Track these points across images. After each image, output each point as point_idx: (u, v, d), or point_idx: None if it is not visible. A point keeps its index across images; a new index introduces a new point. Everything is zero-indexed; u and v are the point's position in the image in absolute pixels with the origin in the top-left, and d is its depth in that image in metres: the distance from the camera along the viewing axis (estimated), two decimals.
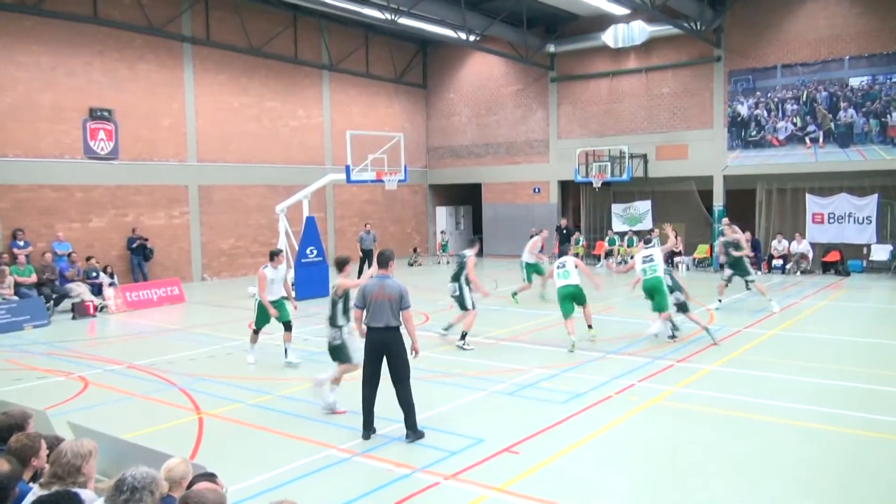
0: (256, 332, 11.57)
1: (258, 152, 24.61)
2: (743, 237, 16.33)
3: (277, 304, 11.38)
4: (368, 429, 7.83)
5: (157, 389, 10.11)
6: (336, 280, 9.09)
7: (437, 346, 12.53)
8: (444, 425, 8.22)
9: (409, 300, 7.80)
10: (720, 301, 16.46)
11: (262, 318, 11.41)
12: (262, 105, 24.76)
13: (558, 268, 12.69)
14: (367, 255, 18.97)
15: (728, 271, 16.12)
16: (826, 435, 7.83)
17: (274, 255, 11.55)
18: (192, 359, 12.05)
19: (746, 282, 16.10)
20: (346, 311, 8.89)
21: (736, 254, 15.79)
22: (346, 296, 8.92)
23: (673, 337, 12.63)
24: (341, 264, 9.28)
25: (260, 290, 11.30)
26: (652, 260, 12.38)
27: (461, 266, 12.60)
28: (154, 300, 18.29)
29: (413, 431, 7.76)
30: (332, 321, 8.87)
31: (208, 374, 10.95)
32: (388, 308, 7.71)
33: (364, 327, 7.88)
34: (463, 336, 12.30)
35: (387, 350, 7.77)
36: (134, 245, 20.48)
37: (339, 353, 8.83)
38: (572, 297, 12.42)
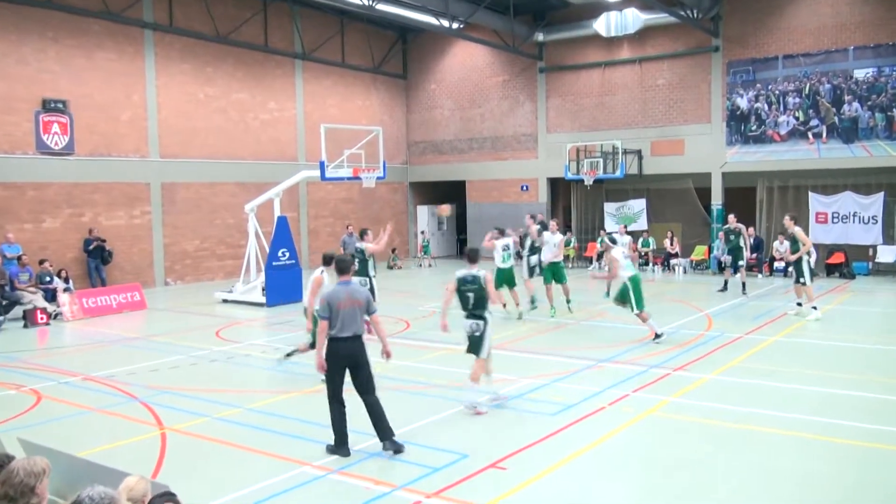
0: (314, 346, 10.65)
1: (225, 147, 24.49)
2: (745, 231, 18.88)
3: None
4: (345, 445, 7.81)
5: (116, 403, 10.00)
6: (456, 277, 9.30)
7: (418, 354, 12.52)
8: (425, 440, 8.20)
9: (376, 303, 8.04)
10: (745, 296, 18.00)
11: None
12: (230, 97, 24.65)
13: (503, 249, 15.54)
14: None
15: (728, 257, 18.87)
16: (832, 448, 7.89)
17: (330, 260, 10.69)
18: (154, 370, 11.95)
19: (736, 268, 18.74)
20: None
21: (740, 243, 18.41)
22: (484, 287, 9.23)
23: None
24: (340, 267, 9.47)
25: (311, 296, 10.60)
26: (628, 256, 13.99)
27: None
28: (113, 307, 18.13)
29: (393, 442, 7.76)
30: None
31: (172, 386, 10.86)
32: (358, 316, 7.76)
33: (325, 339, 7.77)
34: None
35: (354, 361, 7.79)
36: (91, 247, 20.31)
37: (476, 345, 9.27)
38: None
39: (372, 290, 14.18)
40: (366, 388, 7.83)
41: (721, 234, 19.13)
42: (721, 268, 21.70)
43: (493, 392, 9.63)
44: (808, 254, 15.83)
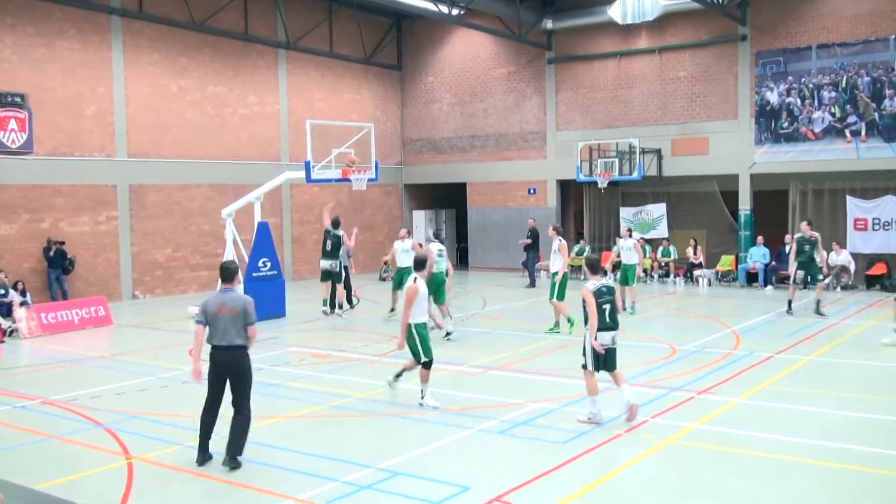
0: (427, 364, 10.59)
1: (201, 146, 24.52)
2: (821, 241, 18.41)
3: (423, 328, 10.61)
4: (204, 453, 8.39)
5: (78, 430, 9.97)
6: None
7: (412, 376, 12.50)
8: (422, 470, 8.18)
9: (254, 315, 8.34)
10: (791, 306, 18.11)
11: (426, 345, 10.51)
12: (206, 90, 24.69)
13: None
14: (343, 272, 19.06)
15: (800, 272, 17.92)
16: (873, 480, 7.87)
17: (421, 264, 10.83)
18: (120, 393, 11.90)
19: (810, 283, 18.27)
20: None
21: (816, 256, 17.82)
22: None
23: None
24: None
25: (406, 309, 10.51)
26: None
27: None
28: (75, 322, 18.09)
29: (232, 459, 8.22)
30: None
31: (140, 410, 10.82)
32: (233, 324, 8.24)
33: (207, 346, 8.38)
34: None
35: (230, 372, 8.33)
36: (51, 253, 20.26)
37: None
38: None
39: (339, 274, 18.32)
40: (237, 403, 8.37)
41: (792, 244, 18.46)
42: (767, 280, 21.94)
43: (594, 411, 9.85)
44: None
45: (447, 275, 16.08)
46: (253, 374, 8.57)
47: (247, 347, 8.40)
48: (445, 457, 8.71)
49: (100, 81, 22.07)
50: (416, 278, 10.54)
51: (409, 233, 18.52)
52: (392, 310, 17.72)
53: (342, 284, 18.92)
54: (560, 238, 16.17)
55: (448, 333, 15.50)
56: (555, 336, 15.79)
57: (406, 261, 16.68)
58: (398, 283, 16.82)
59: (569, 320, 15.75)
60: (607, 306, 9.72)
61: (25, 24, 20.51)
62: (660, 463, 8.44)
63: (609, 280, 10.04)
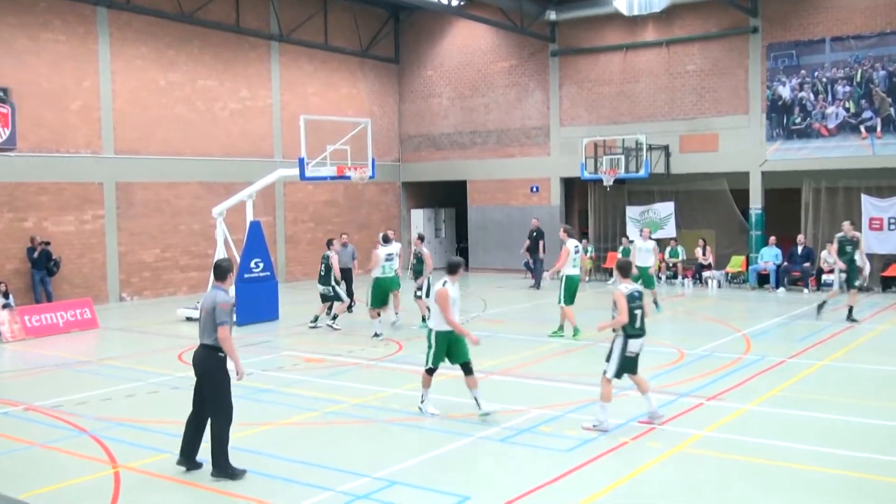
0: (467, 368, 10.43)
1: (190, 142, 24.52)
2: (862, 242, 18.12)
3: (450, 336, 10.46)
4: (184, 456, 8.49)
5: (62, 437, 9.97)
6: None
7: (410, 380, 12.49)
8: (421, 480, 8.18)
9: (225, 316, 8.25)
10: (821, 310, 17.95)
11: (461, 348, 10.46)
12: (196, 84, 24.69)
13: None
14: (345, 275, 18.90)
15: (843, 275, 17.60)
16: (890, 489, 7.88)
17: (455, 267, 10.66)
18: (106, 398, 11.91)
19: (851, 286, 17.51)
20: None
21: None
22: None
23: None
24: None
25: (445, 312, 10.34)
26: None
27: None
28: (60, 325, 18.08)
29: (214, 468, 8.27)
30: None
31: (127, 417, 10.82)
32: (206, 323, 8.41)
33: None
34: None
35: (197, 372, 8.50)
36: (35, 254, 20.24)
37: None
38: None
39: (337, 295, 17.70)
40: (208, 405, 8.40)
41: (832, 244, 18.09)
42: (778, 282, 21.99)
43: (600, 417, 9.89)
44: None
45: (419, 276, 17.43)
46: (224, 377, 8.37)
47: (215, 348, 8.29)
48: (445, 465, 8.70)
49: (85, 75, 22.07)
50: (445, 282, 10.44)
51: (386, 240, 17.53)
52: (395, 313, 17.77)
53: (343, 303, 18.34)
54: (569, 239, 16.27)
55: (377, 334, 16.16)
56: (559, 340, 15.80)
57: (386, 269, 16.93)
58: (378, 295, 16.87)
59: (574, 329, 15.78)
60: (638, 311, 9.80)
61: (8, 14, 20.50)
62: (667, 472, 8.44)
63: (639, 285, 10.20)
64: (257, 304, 18.49)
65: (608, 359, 9.89)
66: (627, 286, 9.90)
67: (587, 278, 25.00)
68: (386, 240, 17.18)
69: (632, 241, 26.01)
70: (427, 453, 9.06)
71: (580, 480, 8.15)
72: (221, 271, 8.71)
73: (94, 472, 8.63)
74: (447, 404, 10.96)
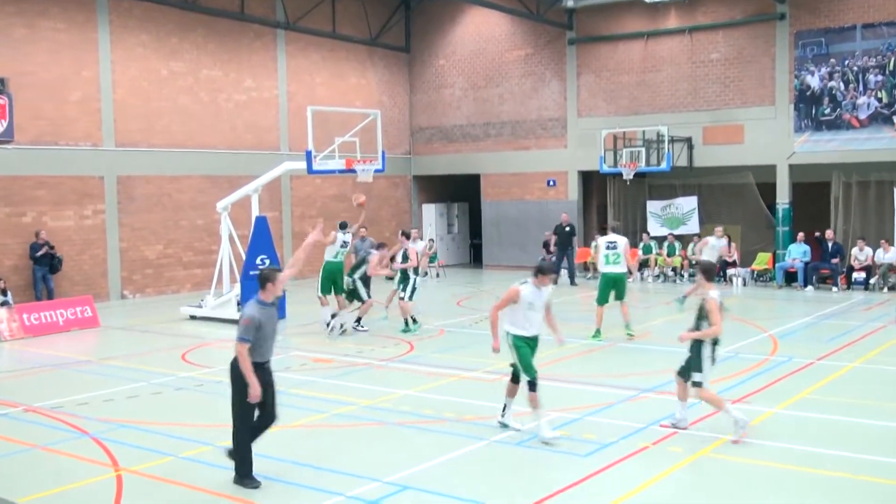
0: (532, 385, 9.67)
1: (193, 134, 24.59)
2: None
3: (533, 343, 9.97)
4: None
5: (63, 439, 10.03)
6: None
7: (422, 382, 12.52)
8: (434, 484, 8.19)
9: (242, 331, 8.09)
10: None
11: (527, 360, 9.79)
12: (199, 74, 24.76)
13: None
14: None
15: None
16: None
17: (542, 272, 10.03)
18: (108, 399, 11.95)
19: None
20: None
21: None
22: None
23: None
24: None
25: (499, 302, 10.02)
26: (615, 247, 15.80)
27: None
28: (60, 324, 18.16)
29: (242, 477, 8.25)
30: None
31: (129, 419, 10.87)
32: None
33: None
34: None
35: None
36: (39, 254, 20.34)
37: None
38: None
39: (357, 292, 17.11)
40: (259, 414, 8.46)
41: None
42: (807, 280, 22.07)
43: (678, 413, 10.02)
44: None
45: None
46: (240, 387, 8.19)
47: (236, 359, 8.20)
48: (458, 470, 8.71)
49: (85, 64, 22.16)
50: (525, 282, 9.94)
51: (343, 227, 17.80)
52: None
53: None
54: (599, 237, 16.57)
55: (328, 324, 16.74)
56: (580, 341, 15.73)
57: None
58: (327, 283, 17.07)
59: (596, 331, 15.80)
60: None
61: (4, 2, 20.59)
62: (690, 476, 8.44)
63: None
64: None
65: (691, 368, 9.75)
66: (716, 293, 9.80)
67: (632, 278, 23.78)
68: (343, 226, 17.59)
69: (654, 239, 26.08)
70: (440, 457, 9.07)
71: (599, 486, 8.15)
72: (259, 279, 8.51)
73: (95, 476, 8.68)
74: (460, 407, 10.98)
